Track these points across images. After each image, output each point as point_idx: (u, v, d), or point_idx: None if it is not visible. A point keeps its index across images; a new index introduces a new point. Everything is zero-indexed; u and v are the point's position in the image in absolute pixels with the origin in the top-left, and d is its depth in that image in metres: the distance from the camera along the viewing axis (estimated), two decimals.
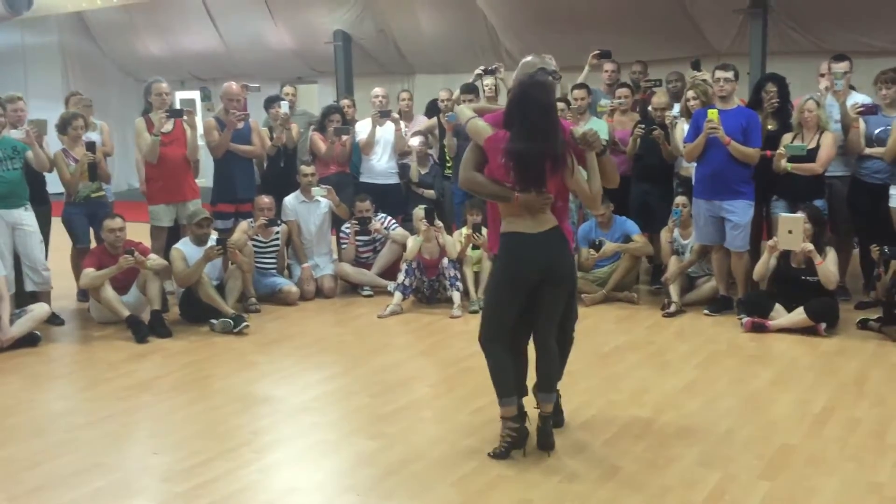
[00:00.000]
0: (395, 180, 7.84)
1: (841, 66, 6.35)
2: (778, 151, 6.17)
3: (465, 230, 6.83)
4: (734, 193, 6.07)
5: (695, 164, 6.33)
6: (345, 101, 8.58)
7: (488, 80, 7.48)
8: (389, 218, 7.36)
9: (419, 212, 6.81)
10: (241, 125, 7.13)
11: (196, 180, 7.21)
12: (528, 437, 3.88)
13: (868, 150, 6.22)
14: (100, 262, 6.24)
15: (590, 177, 3.80)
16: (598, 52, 7.86)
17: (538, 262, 3.74)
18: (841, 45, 8.46)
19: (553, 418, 3.99)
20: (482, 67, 7.61)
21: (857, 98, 6.44)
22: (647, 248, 6.92)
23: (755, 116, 6.16)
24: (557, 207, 3.83)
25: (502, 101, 6.59)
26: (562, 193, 3.84)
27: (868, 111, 6.17)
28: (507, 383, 3.84)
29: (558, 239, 3.78)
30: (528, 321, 3.88)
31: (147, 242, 6.79)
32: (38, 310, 6.06)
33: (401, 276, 6.77)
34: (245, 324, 6.17)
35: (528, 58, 4.07)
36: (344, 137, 7.57)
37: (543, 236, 3.73)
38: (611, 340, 5.82)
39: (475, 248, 6.81)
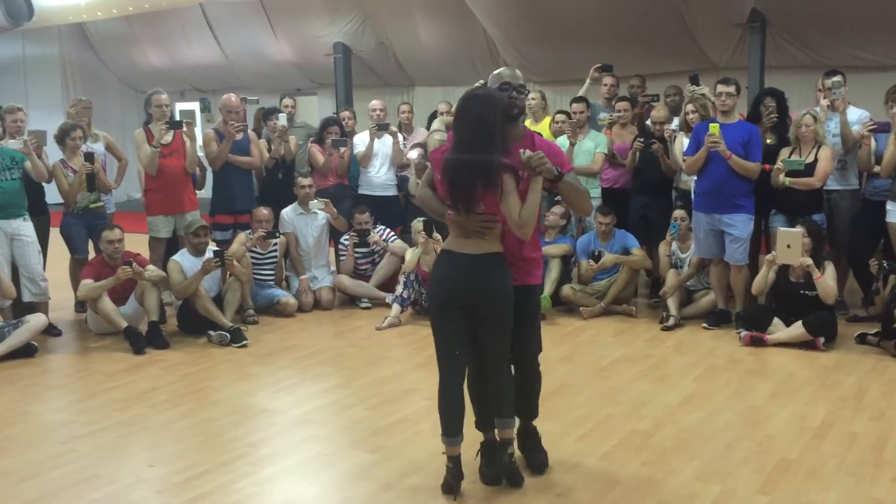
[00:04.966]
0: (393, 192, 7.86)
1: (836, 79, 6.35)
2: (776, 166, 6.18)
3: None
4: (734, 207, 6.08)
5: (694, 178, 6.35)
6: (345, 113, 8.60)
7: None
8: (388, 230, 7.37)
9: (418, 224, 6.81)
10: (239, 137, 7.15)
11: (197, 192, 7.24)
12: (461, 480, 3.66)
13: (876, 168, 6.21)
14: (98, 273, 6.23)
15: (526, 200, 3.44)
16: (599, 65, 7.91)
17: (457, 286, 3.50)
18: (838, 59, 8.50)
19: (535, 458, 3.83)
20: (481, 81, 7.61)
21: (856, 113, 6.45)
22: (645, 261, 6.92)
23: (756, 131, 6.18)
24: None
25: None
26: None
27: (881, 129, 6.13)
28: (452, 418, 3.58)
29: (490, 265, 3.48)
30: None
31: (145, 253, 6.80)
32: (35, 320, 6.04)
33: (399, 289, 6.77)
34: (244, 342, 6.15)
35: (499, 70, 3.78)
36: (342, 149, 7.58)
37: (472, 259, 3.47)
38: (609, 354, 5.82)
39: None
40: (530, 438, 3.92)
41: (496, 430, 3.72)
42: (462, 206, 3.44)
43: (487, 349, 3.61)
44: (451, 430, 3.60)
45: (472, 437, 4.15)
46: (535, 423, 3.96)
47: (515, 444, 3.80)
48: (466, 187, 3.41)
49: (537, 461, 3.86)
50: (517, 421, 3.79)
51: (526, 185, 3.47)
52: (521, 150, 3.46)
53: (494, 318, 3.53)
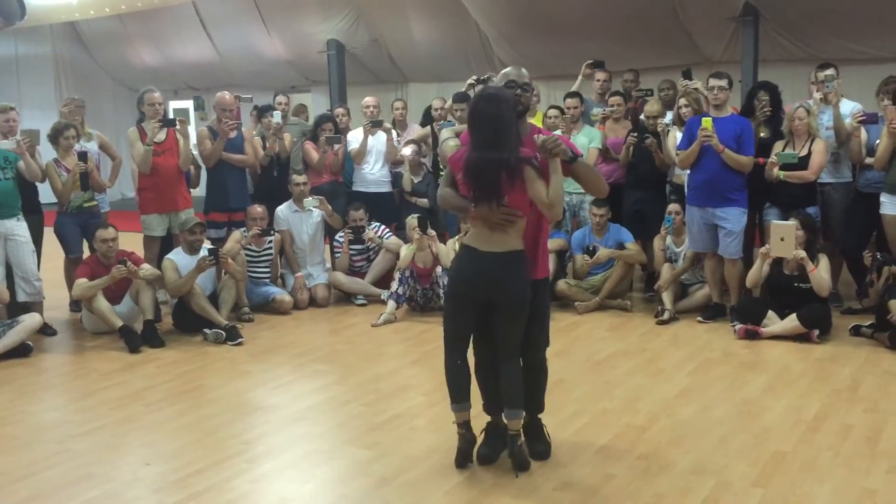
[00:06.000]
0: (387, 189, 7.86)
1: (829, 72, 6.37)
2: (770, 160, 6.19)
3: (458, 238, 6.83)
4: (727, 201, 6.09)
5: (688, 172, 6.35)
6: (339, 110, 8.59)
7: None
8: (383, 227, 7.37)
9: (412, 220, 6.81)
10: (233, 134, 7.14)
11: (192, 191, 7.24)
12: (474, 445, 3.87)
13: (868, 160, 6.23)
14: (92, 272, 6.22)
15: (550, 182, 3.57)
16: (591, 61, 7.92)
17: (477, 283, 3.65)
18: (831, 52, 8.52)
19: (537, 447, 3.94)
20: (475, 77, 7.63)
21: (849, 106, 6.46)
22: (640, 255, 6.93)
23: (749, 124, 6.19)
24: (530, 223, 3.68)
25: None
26: (532, 208, 3.67)
27: (869, 120, 6.16)
28: (458, 388, 3.79)
29: (510, 263, 3.62)
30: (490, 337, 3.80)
31: (140, 252, 6.79)
32: (30, 320, 6.03)
33: (394, 285, 6.77)
34: (240, 339, 6.14)
35: (507, 69, 3.94)
36: (336, 146, 7.58)
37: (492, 258, 3.61)
38: (604, 348, 5.83)
39: None
40: (535, 429, 4.01)
41: (505, 421, 3.80)
42: (489, 199, 3.56)
43: (501, 342, 3.74)
44: (458, 397, 3.78)
45: (478, 425, 4.14)
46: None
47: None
48: (491, 182, 3.54)
49: (540, 449, 3.97)
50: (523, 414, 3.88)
51: (545, 170, 3.59)
52: (536, 136, 3.62)
53: (510, 314, 3.67)
